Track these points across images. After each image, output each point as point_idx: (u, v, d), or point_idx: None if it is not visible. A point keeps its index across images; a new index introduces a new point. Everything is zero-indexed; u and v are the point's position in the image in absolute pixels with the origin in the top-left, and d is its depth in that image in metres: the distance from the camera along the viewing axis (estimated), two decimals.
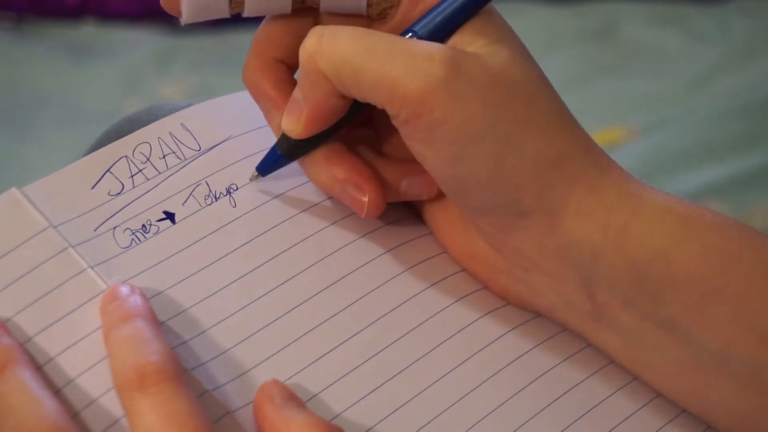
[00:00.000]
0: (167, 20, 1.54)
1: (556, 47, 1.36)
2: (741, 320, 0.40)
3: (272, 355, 0.42)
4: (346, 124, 0.45)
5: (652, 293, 0.41)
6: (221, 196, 0.46)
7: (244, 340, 0.42)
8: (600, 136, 1.14)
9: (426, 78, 0.40)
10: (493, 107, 0.41)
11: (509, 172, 0.41)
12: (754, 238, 0.41)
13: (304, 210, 0.46)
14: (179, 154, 0.46)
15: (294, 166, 0.47)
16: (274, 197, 0.46)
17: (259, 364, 0.42)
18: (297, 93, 0.43)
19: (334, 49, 0.41)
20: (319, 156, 0.45)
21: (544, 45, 1.36)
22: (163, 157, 0.46)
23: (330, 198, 0.47)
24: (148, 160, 0.46)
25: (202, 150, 0.47)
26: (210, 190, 0.46)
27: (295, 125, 0.43)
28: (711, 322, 0.40)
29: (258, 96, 0.46)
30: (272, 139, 0.47)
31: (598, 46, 1.37)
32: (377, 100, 0.41)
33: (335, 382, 0.42)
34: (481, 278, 0.46)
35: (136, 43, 1.48)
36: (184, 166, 0.46)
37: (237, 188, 0.46)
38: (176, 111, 0.49)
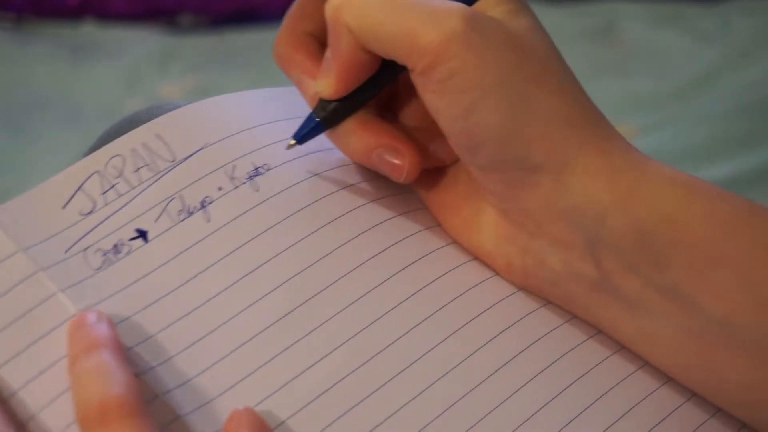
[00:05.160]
0: (167, 20, 1.54)
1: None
2: (745, 287, 0.40)
3: (245, 378, 0.41)
4: (379, 91, 0.45)
5: (657, 258, 0.41)
6: (195, 210, 0.45)
7: (217, 362, 0.41)
8: None
9: (444, 29, 0.42)
10: (507, 64, 0.42)
11: (520, 126, 0.42)
12: (758, 208, 0.42)
13: (280, 222, 0.45)
14: (153, 166, 0.45)
15: (264, 183, 0.46)
16: (249, 209, 0.45)
17: (231, 387, 0.41)
18: (328, 52, 0.45)
19: (358, 2, 0.43)
20: (353, 125, 0.46)
21: None
22: (137, 170, 0.45)
23: (307, 206, 0.46)
24: (120, 174, 0.45)
25: (176, 161, 0.46)
26: (184, 205, 0.45)
27: (327, 84, 0.45)
28: (715, 288, 0.41)
29: (290, 68, 0.47)
30: (249, 145, 0.47)
31: (598, 46, 1.37)
32: (397, 52, 0.43)
33: (313, 400, 0.41)
34: (487, 255, 0.46)
35: (136, 43, 1.48)
36: (157, 179, 0.45)
37: (212, 201, 0.45)
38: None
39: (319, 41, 0.47)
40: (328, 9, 0.43)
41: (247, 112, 0.48)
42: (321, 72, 0.45)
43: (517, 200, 0.43)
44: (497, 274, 0.46)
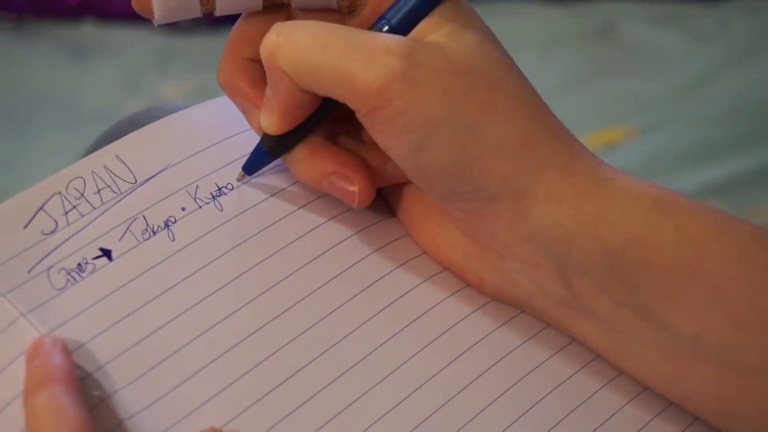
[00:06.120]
0: None
1: (556, 47, 1.36)
2: (716, 305, 0.40)
3: (211, 399, 0.41)
4: (327, 117, 0.44)
5: (627, 279, 0.41)
6: (159, 230, 0.44)
7: (182, 383, 0.41)
8: (600, 136, 1.14)
9: (383, 70, 0.40)
10: (453, 95, 0.41)
11: (473, 158, 0.41)
12: (729, 222, 0.41)
13: (246, 240, 0.45)
14: (114, 187, 0.45)
15: (227, 203, 0.46)
16: (213, 229, 0.45)
17: (196, 409, 0.40)
18: (268, 90, 0.43)
19: (292, 46, 0.41)
20: (302, 152, 0.45)
21: (544, 45, 1.36)
22: (98, 191, 0.44)
23: (272, 224, 0.46)
24: (82, 195, 0.44)
25: (138, 182, 0.45)
26: (147, 225, 0.44)
27: (270, 122, 0.44)
28: (686, 307, 0.40)
29: (235, 96, 0.46)
30: (211, 165, 0.46)
31: (598, 46, 1.37)
32: (337, 95, 0.41)
33: (283, 419, 0.41)
34: (458, 270, 0.45)
35: (136, 43, 1.48)
36: (119, 200, 0.44)
37: (175, 221, 0.44)
38: (175, 112, 0.48)
39: (262, 66, 0.45)
40: (263, 52, 0.42)
41: (209, 128, 0.48)
42: (263, 108, 0.44)
43: (481, 226, 0.43)
44: (468, 285, 0.46)
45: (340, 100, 0.41)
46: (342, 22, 0.45)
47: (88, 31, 1.53)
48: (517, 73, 0.42)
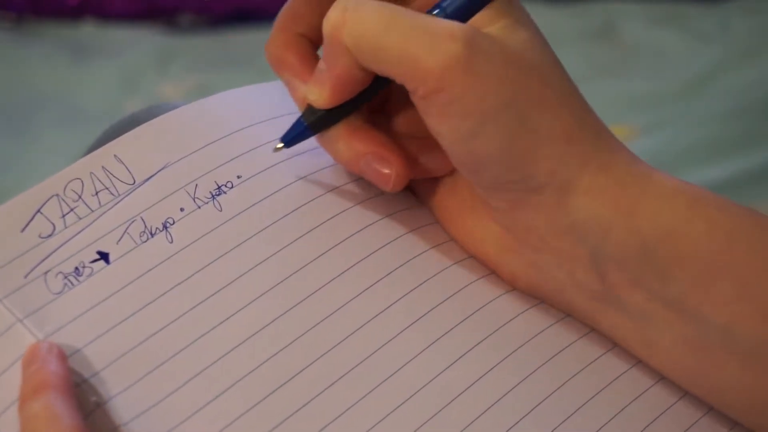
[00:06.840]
0: (167, 20, 1.54)
1: (556, 47, 1.35)
2: (746, 297, 0.41)
3: (209, 403, 0.40)
4: (370, 98, 0.45)
5: (660, 271, 0.42)
6: (157, 231, 0.44)
7: (180, 387, 0.41)
8: None
9: (446, 55, 0.41)
10: (509, 85, 0.42)
11: (523, 148, 0.42)
12: (757, 218, 0.42)
13: (245, 241, 0.45)
14: (112, 189, 0.45)
15: (227, 202, 0.46)
16: (212, 230, 0.45)
17: (194, 414, 0.40)
18: (322, 64, 0.44)
19: (357, 24, 0.42)
20: (342, 131, 0.45)
21: None
22: (96, 193, 0.44)
23: (273, 224, 0.45)
24: (80, 197, 0.44)
25: (136, 183, 0.45)
26: (145, 226, 0.44)
27: (319, 95, 0.44)
28: (716, 298, 0.41)
29: (282, 69, 0.47)
30: (211, 162, 0.46)
31: (598, 46, 1.37)
32: (397, 75, 0.42)
33: (287, 419, 0.40)
34: (491, 262, 0.46)
35: (136, 43, 1.48)
36: (117, 203, 0.44)
37: (174, 222, 0.44)
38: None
39: (311, 42, 0.46)
40: (326, 26, 0.43)
41: (208, 125, 0.48)
42: (313, 80, 0.44)
43: (521, 218, 0.43)
44: (491, 273, 0.46)
45: (398, 80, 0.42)
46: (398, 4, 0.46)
47: (88, 31, 1.53)
48: (562, 70, 0.44)
